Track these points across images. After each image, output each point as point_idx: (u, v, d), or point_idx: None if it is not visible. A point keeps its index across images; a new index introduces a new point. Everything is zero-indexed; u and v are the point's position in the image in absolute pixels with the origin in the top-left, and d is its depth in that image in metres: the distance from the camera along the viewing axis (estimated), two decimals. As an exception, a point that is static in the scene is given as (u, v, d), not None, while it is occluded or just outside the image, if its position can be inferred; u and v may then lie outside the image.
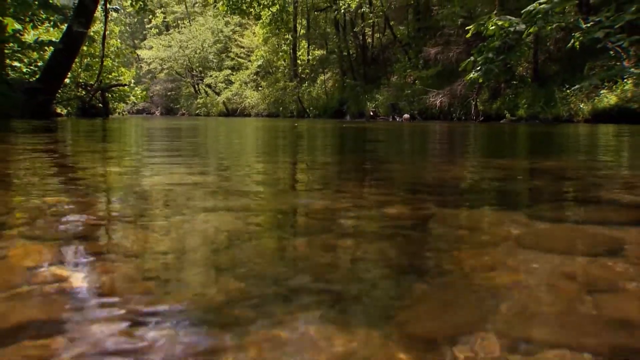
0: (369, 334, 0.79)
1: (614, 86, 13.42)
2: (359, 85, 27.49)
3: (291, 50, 34.10)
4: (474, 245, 1.32)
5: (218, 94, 41.65)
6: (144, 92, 26.05)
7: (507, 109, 17.25)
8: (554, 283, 1.03)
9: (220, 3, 29.33)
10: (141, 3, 19.52)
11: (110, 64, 21.27)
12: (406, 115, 20.91)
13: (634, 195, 2.16)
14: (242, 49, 41.40)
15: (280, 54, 35.36)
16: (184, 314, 0.86)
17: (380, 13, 26.76)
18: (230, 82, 41.04)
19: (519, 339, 0.79)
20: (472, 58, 13.14)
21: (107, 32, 19.59)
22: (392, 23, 27.02)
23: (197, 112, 42.15)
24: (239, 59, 41.41)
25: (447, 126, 12.86)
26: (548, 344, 0.77)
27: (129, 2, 20.58)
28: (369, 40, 29.81)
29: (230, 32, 42.83)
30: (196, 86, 45.71)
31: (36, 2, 13.96)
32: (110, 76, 21.15)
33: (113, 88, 20.34)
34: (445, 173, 3.04)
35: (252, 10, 28.76)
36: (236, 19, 40.02)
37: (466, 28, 14.40)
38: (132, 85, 23.20)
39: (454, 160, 4.03)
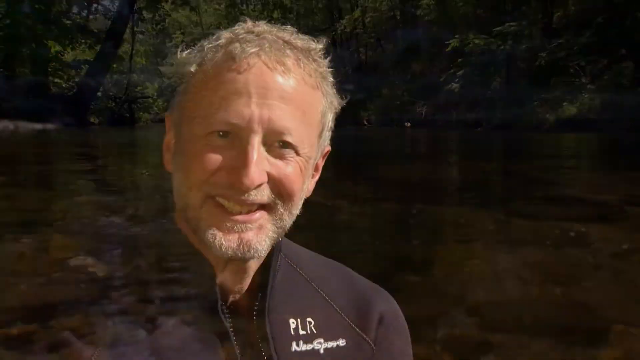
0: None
1: (574, 99, 13.45)
2: (355, 96, 27.46)
3: (294, 66, 34.09)
4: (455, 236, 1.31)
5: (230, 104, 41.65)
6: (166, 104, 26.03)
7: (484, 118, 17.21)
8: (522, 272, 1.03)
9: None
10: (161, 26, 19.99)
11: (136, 79, 21.27)
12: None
13: (594, 194, 2.16)
14: (251, 65, 41.42)
15: (285, 69, 35.37)
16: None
17: (373, 34, 26.77)
18: (241, 94, 41.05)
19: (492, 320, 0.79)
20: (452, 71, 13.17)
21: (134, 52, 19.61)
22: (382, 42, 27.00)
23: (211, 120, 42.11)
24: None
25: (432, 132, 12.87)
26: (518, 326, 0.77)
27: (151, 26, 20.88)
28: (363, 57, 29.79)
29: (241, 51, 42.85)
30: (211, 98, 45.73)
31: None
32: (136, 89, 21.15)
33: (139, 100, 20.38)
34: (431, 173, 3.03)
35: (260, 31, 28.82)
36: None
37: (446, 42, 14.43)
38: (155, 97, 23.19)
39: (440, 162, 4.03)
